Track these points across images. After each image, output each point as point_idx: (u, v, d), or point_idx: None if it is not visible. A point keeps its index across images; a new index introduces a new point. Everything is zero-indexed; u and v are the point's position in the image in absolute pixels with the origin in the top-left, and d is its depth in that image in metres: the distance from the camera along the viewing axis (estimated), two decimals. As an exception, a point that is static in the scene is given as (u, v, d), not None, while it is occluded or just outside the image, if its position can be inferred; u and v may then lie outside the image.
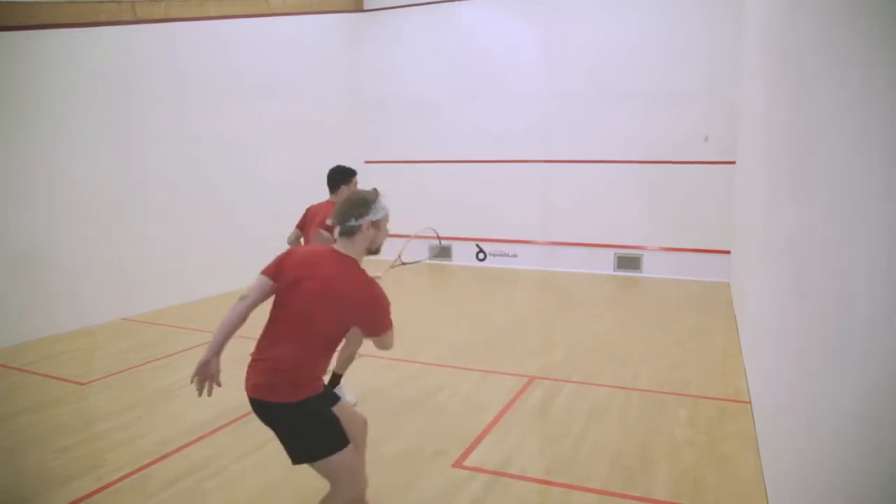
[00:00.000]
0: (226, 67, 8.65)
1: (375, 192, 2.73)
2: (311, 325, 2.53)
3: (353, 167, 4.59)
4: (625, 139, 9.81)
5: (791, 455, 2.68)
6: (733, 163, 8.83)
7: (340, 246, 2.66)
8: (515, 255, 10.71)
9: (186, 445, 3.98)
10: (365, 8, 11.48)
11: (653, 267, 9.85)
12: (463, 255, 11.09)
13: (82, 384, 5.15)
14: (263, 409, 2.54)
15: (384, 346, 2.70)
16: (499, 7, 10.55)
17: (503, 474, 3.62)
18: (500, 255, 10.82)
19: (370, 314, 2.59)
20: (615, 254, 10.07)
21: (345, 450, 2.56)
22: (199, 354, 2.55)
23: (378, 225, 2.68)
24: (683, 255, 9.61)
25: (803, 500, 2.35)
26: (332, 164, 4.63)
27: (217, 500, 3.40)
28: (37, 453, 3.90)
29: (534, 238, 10.51)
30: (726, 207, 8.96)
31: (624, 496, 3.37)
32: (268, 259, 2.70)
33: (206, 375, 2.56)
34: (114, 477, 3.60)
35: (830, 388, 1.98)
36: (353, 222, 2.61)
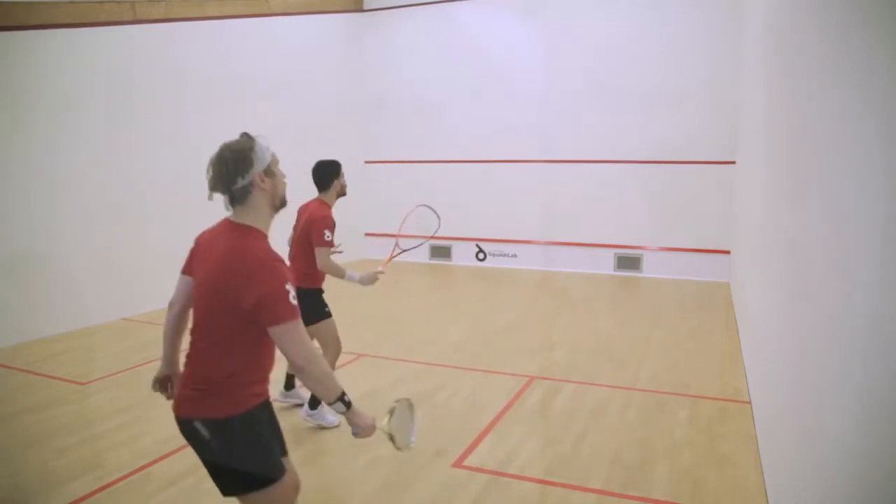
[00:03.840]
0: (226, 67, 8.64)
1: (248, 137, 2.21)
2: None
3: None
4: (625, 139, 9.82)
5: (791, 455, 2.68)
6: (733, 163, 8.83)
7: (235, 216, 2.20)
8: (515, 255, 10.71)
9: (186, 445, 3.97)
10: (365, 8, 11.48)
11: (653, 267, 9.85)
12: (463, 255, 11.09)
13: (82, 384, 5.15)
14: None
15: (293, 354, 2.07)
16: (499, 7, 10.55)
17: (503, 474, 3.62)
18: (500, 255, 10.82)
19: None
20: (615, 254, 10.07)
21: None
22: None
23: (271, 172, 2.20)
24: (683, 255, 9.61)
25: (803, 500, 2.35)
26: None
27: (217, 500, 3.40)
28: (37, 453, 3.90)
29: (534, 238, 10.52)
30: (726, 207, 8.95)
31: (624, 496, 3.37)
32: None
33: (164, 388, 2.47)
34: (114, 477, 3.60)
35: (831, 387, 1.97)
36: (241, 182, 2.13)
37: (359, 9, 11.41)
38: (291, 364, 2.08)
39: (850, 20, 1.95)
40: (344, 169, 4.34)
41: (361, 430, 2.31)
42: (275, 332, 2.04)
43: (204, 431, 2.13)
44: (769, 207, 3.98)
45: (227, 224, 2.22)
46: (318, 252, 4.05)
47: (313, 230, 4.05)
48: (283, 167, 2.33)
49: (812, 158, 2.48)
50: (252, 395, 2.17)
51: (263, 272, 2.04)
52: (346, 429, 4.23)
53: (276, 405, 3.63)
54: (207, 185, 2.18)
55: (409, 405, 2.54)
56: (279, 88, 9.53)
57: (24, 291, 6.29)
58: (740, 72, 8.28)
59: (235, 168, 2.12)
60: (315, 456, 3.89)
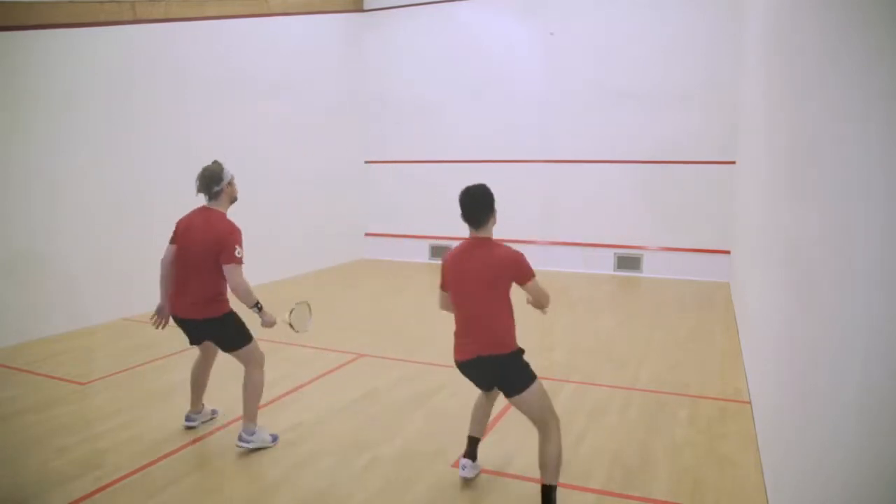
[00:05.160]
0: (226, 67, 8.64)
1: (218, 164, 3.99)
2: None
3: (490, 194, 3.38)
4: (625, 139, 9.82)
5: (791, 455, 2.68)
6: (733, 163, 8.83)
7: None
8: (515, 255, 10.69)
9: (186, 445, 3.98)
10: (365, 8, 11.49)
11: (653, 267, 9.85)
12: (463, 255, 11.07)
13: (82, 384, 5.15)
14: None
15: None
16: (499, 7, 10.56)
17: (503, 474, 3.62)
18: (500, 255, 10.80)
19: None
20: (615, 254, 10.07)
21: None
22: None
23: (230, 184, 3.98)
24: (683, 255, 9.61)
25: (803, 500, 2.35)
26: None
27: (217, 500, 3.40)
28: (37, 453, 3.90)
29: (534, 238, 10.51)
30: (726, 207, 8.96)
31: (624, 496, 3.37)
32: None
33: (161, 315, 4.11)
34: (114, 477, 3.59)
35: (830, 387, 1.97)
36: (215, 189, 3.88)
37: (359, 9, 11.41)
38: (230, 286, 3.77)
39: (850, 20, 1.95)
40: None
41: (267, 322, 3.87)
42: (225, 268, 3.75)
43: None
44: (769, 207, 3.98)
45: (204, 209, 3.95)
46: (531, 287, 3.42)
47: (507, 267, 3.37)
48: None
49: (812, 158, 2.48)
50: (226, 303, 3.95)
51: (225, 230, 3.80)
52: (347, 431, 4.24)
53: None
54: (196, 189, 3.92)
55: (307, 306, 4.13)
56: (279, 88, 9.53)
57: (24, 291, 6.29)
58: (740, 72, 8.28)
59: (212, 181, 3.90)
60: (315, 457, 3.89)
